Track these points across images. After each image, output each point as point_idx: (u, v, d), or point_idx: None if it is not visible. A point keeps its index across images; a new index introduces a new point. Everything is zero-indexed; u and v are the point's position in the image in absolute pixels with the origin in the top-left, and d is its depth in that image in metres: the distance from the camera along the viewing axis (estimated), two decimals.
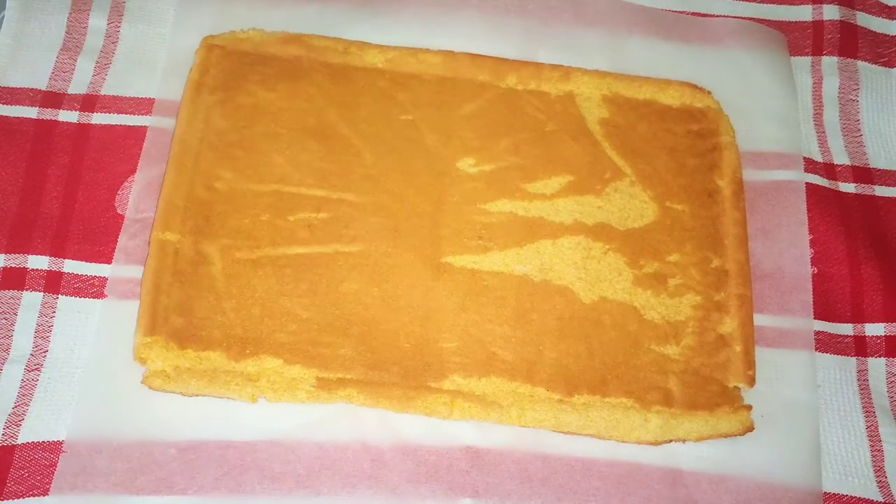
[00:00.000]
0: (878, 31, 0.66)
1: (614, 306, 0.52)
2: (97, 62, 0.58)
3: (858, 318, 0.56)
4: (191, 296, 0.50)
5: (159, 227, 0.51)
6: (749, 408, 0.51)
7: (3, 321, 0.50)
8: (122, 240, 0.53)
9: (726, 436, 0.50)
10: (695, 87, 0.59)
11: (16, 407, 0.49)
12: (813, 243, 0.57)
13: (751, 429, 0.50)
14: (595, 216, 0.54)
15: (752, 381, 0.51)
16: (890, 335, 0.55)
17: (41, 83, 0.57)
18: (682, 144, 0.57)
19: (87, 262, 0.52)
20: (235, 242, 0.51)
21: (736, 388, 0.51)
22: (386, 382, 0.49)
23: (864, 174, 0.60)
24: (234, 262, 0.51)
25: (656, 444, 0.50)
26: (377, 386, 0.49)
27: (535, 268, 0.53)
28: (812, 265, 0.56)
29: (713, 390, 0.51)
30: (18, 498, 0.46)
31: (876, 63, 0.65)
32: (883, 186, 0.60)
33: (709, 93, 0.59)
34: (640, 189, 0.55)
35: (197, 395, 0.48)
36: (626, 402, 0.50)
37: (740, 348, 0.52)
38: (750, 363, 0.51)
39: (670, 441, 0.50)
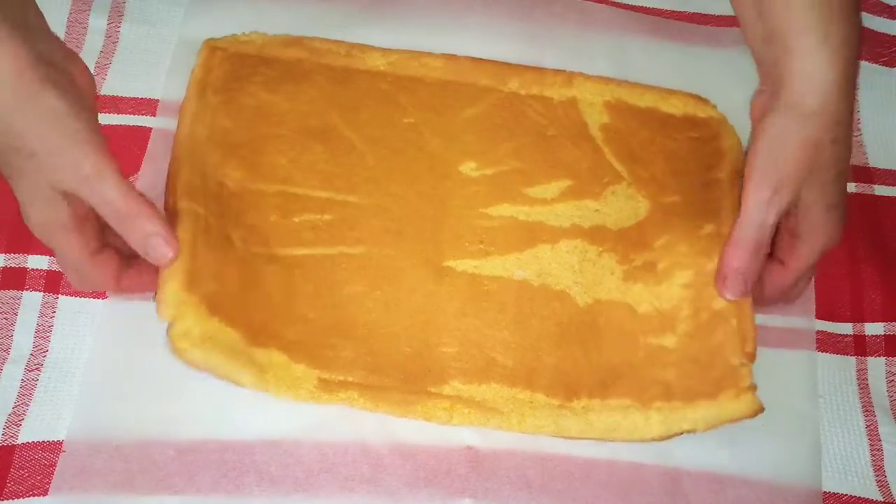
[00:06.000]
0: (878, 30, 0.66)
1: (608, 307, 0.52)
2: (97, 62, 0.58)
3: (858, 317, 0.56)
4: (221, 267, 0.48)
5: (184, 197, 0.49)
6: (753, 388, 0.49)
7: (3, 321, 0.50)
8: None
9: (736, 420, 0.49)
10: (698, 97, 0.59)
11: (16, 407, 0.48)
12: None
13: (760, 410, 0.49)
14: (592, 219, 0.54)
15: (751, 357, 0.49)
16: (889, 334, 0.55)
17: None
18: (683, 149, 0.57)
19: None
20: (250, 237, 0.51)
21: (741, 367, 0.49)
22: (386, 386, 0.49)
23: (863, 174, 0.60)
24: (252, 254, 0.50)
25: (662, 439, 0.49)
26: (377, 390, 0.49)
27: (533, 272, 0.52)
28: None
29: (713, 376, 0.49)
30: (18, 498, 0.46)
31: (876, 62, 0.65)
32: (883, 186, 0.60)
33: (713, 106, 0.59)
34: (636, 191, 0.55)
35: (211, 371, 0.47)
36: (625, 402, 0.49)
37: (735, 323, 0.50)
38: (746, 335, 0.49)
39: (678, 434, 0.49)
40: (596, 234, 0.54)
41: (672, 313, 0.51)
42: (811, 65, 0.46)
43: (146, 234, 0.44)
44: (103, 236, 0.46)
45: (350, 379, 0.49)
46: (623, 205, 0.55)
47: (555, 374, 0.50)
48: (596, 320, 0.51)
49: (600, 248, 0.53)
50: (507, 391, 0.49)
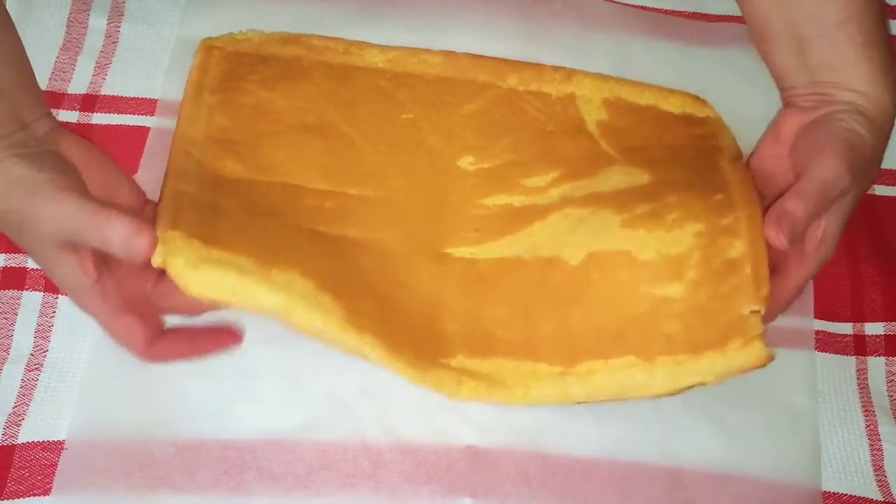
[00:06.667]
0: None
1: (602, 258, 0.49)
2: (97, 62, 0.58)
3: (858, 317, 0.56)
4: (210, 218, 0.46)
5: (171, 181, 0.48)
6: (761, 336, 0.46)
7: (3, 321, 0.51)
8: None
9: (745, 371, 0.46)
10: (696, 98, 0.59)
11: (16, 407, 0.49)
12: None
13: (769, 359, 0.45)
14: (584, 190, 0.53)
15: (766, 301, 0.46)
16: (889, 334, 0.55)
17: (41, 83, 0.56)
18: (681, 143, 0.57)
19: None
20: (250, 204, 0.49)
21: (751, 314, 0.46)
22: (403, 344, 0.47)
23: None
24: (253, 211, 0.49)
25: (672, 394, 0.47)
26: (396, 344, 0.47)
27: (526, 248, 0.52)
28: None
29: (721, 325, 0.46)
30: (19, 498, 0.46)
31: None
32: (883, 186, 0.60)
33: (711, 107, 0.58)
34: (634, 168, 0.54)
35: (224, 297, 0.44)
36: (630, 359, 0.47)
37: (749, 270, 0.47)
38: (760, 281, 0.46)
39: (688, 388, 0.47)
40: (588, 199, 0.52)
41: (680, 259, 0.48)
42: (877, 89, 0.49)
43: (120, 236, 0.43)
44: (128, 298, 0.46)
45: (371, 326, 0.46)
46: (620, 178, 0.53)
47: (554, 340, 0.49)
48: (591, 276, 0.49)
49: (594, 208, 0.51)
50: (510, 364, 0.49)
